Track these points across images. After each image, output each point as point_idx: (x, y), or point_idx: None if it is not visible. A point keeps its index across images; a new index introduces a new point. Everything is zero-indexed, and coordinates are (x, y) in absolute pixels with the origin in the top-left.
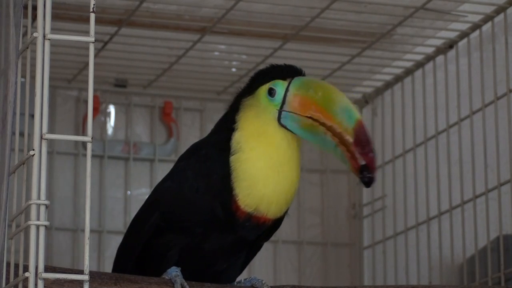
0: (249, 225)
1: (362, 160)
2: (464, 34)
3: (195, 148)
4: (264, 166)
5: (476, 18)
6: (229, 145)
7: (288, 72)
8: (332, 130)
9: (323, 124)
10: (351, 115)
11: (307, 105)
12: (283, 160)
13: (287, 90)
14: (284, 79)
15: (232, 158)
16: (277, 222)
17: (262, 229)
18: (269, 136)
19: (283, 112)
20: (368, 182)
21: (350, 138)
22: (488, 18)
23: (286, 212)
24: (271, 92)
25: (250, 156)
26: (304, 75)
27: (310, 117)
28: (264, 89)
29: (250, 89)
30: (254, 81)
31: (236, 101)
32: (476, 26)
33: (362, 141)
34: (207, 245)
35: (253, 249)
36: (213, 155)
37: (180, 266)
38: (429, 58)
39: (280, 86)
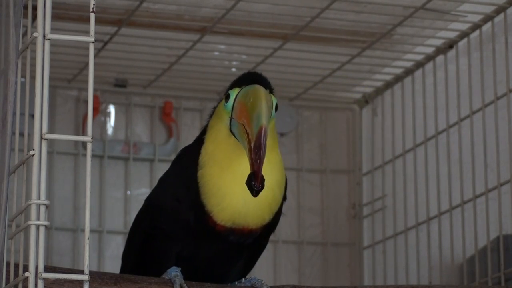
0: (235, 237)
1: (252, 167)
2: (464, 34)
3: (180, 155)
4: (227, 181)
5: (476, 18)
6: (198, 159)
7: (246, 80)
8: (248, 137)
9: (245, 131)
10: (259, 121)
11: (242, 111)
12: (244, 170)
13: (236, 97)
14: (239, 86)
15: (198, 174)
16: (271, 225)
17: (254, 236)
18: (224, 147)
19: (232, 120)
20: (253, 190)
21: (252, 145)
22: (488, 18)
23: (279, 215)
24: (226, 99)
25: (213, 172)
26: (264, 82)
27: (242, 123)
28: (224, 98)
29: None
30: (227, 89)
31: (213, 109)
32: (476, 26)
33: (256, 147)
34: (202, 251)
35: (255, 248)
36: (187, 167)
37: (185, 265)
38: (429, 58)
39: (233, 93)
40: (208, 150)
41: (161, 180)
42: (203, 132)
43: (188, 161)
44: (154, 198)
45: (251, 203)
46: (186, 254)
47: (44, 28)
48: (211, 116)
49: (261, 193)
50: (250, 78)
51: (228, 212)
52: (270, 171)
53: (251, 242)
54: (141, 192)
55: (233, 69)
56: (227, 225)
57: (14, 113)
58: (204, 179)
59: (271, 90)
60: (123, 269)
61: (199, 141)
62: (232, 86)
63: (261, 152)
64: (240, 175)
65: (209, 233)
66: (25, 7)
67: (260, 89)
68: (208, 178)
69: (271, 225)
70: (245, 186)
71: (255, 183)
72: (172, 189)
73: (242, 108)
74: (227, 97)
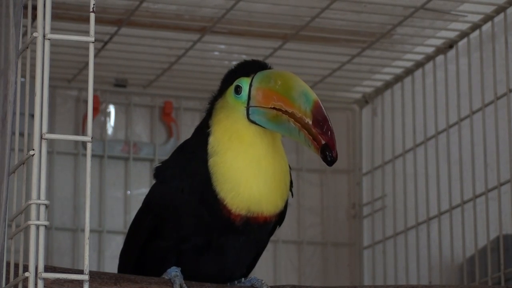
0: (251, 227)
1: (322, 140)
2: (464, 34)
3: (180, 149)
4: (241, 166)
5: (476, 18)
6: (206, 149)
7: (252, 68)
8: (293, 116)
9: (285, 112)
10: (308, 97)
11: (269, 96)
12: (259, 156)
13: (250, 85)
14: (248, 75)
15: (209, 162)
16: (283, 213)
17: (269, 227)
18: (240, 135)
19: (250, 108)
20: (330, 161)
21: (309, 121)
22: (488, 18)
23: (286, 205)
24: (237, 90)
25: (226, 158)
26: (269, 68)
27: (273, 108)
28: (230, 88)
29: (220, 91)
30: (223, 83)
31: (210, 105)
32: (476, 26)
33: (320, 120)
34: (212, 248)
35: (261, 245)
36: (193, 158)
37: (187, 265)
38: (429, 58)
39: (244, 83)
40: (218, 139)
41: (163, 177)
42: (206, 126)
43: (193, 153)
44: (158, 188)
45: (265, 189)
46: (193, 251)
47: (44, 28)
48: (210, 111)
49: (270, 180)
50: (254, 66)
51: (242, 198)
52: (279, 159)
53: (262, 236)
54: (141, 192)
55: None
56: (242, 213)
57: (14, 113)
58: (216, 166)
59: None
60: (121, 268)
61: (202, 134)
62: (233, 77)
63: (329, 122)
64: (253, 162)
65: (224, 226)
66: (25, 7)
67: (285, 71)
68: (222, 165)
69: (283, 214)
70: (257, 172)
71: (330, 153)
72: (179, 183)
73: (270, 92)
74: (236, 87)
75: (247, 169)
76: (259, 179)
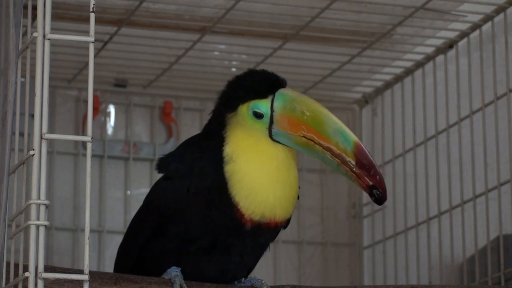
0: (261, 232)
1: (370, 181)
2: (464, 34)
3: (186, 146)
4: (260, 176)
5: (476, 18)
6: (221, 154)
7: (266, 86)
8: (330, 151)
9: (319, 144)
10: (347, 137)
11: (297, 125)
12: (278, 168)
13: (272, 110)
14: (264, 96)
15: (226, 169)
16: (289, 219)
17: (278, 231)
18: (262, 150)
19: (273, 130)
20: (379, 200)
21: (351, 160)
22: (488, 18)
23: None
24: (256, 115)
25: (244, 167)
26: (283, 83)
27: (303, 136)
28: (245, 108)
29: (230, 103)
30: (234, 95)
31: (218, 114)
32: (476, 26)
33: (366, 164)
34: (217, 249)
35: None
36: (203, 159)
37: (188, 265)
38: (429, 58)
39: (263, 107)
40: (237, 151)
41: (166, 172)
42: (218, 137)
43: (203, 154)
44: (161, 193)
45: (280, 197)
46: (196, 252)
47: (44, 28)
48: (222, 122)
49: (287, 190)
50: (268, 83)
51: (258, 204)
52: (294, 167)
53: (270, 239)
54: (141, 192)
55: (233, 69)
56: (255, 219)
57: (14, 113)
58: (234, 173)
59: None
60: (118, 266)
61: (214, 140)
62: (247, 95)
63: (376, 167)
64: (272, 174)
65: (233, 228)
66: (25, 7)
67: (305, 97)
68: (238, 172)
69: (289, 219)
70: (275, 182)
71: (379, 192)
72: (185, 182)
73: (298, 122)
74: (255, 113)
75: (265, 179)
76: (276, 190)
